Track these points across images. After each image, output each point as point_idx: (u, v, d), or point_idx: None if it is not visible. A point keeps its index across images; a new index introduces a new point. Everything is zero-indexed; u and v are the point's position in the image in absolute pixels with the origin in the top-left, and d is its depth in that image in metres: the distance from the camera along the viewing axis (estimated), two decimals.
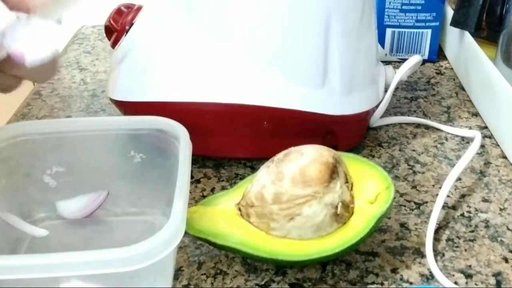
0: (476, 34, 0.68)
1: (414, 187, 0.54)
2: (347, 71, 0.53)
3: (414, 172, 0.56)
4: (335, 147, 0.48)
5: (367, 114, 0.57)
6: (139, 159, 0.48)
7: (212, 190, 0.54)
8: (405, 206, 0.51)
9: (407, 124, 0.63)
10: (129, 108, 0.56)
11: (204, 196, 0.53)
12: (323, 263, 0.45)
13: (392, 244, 0.47)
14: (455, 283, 0.44)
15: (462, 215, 0.50)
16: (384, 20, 0.74)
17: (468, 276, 0.44)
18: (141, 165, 0.48)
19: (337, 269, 0.45)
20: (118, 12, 0.58)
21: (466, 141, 0.60)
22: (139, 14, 0.56)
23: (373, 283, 0.44)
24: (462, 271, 0.45)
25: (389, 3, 0.73)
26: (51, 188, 0.48)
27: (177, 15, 0.53)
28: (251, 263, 0.46)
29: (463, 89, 0.70)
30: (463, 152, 0.58)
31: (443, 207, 0.50)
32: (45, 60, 0.36)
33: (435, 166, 0.57)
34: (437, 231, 0.48)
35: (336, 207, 0.43)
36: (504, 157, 0.58)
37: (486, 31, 0.71)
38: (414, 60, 0.60)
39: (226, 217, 0.45)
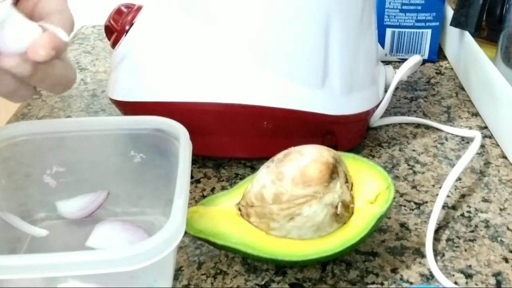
0: (476, 34, 0.68)
1: (414, 187, 0.54)
2: (347, 71, 0.53)
3: (414, 172, 0.56)
4: (335, 147, 0.48)
5: (367, 114, 0.57)
6: (139, 159, 0.48)
7: (212, 190, 0.54)
8: (405, 206, 0.52)
9: (407, 124, 0.63)
10: (129, 108, 0.56)
11: (204, 196, 0.53)
12: (323, 263, 0.45)
13: (392, 244, 0.47)
14: (455, 283, 0.44)
15: (462, 215, 0.50)
16: (384, 20, 0.74)
17: (468, 276, 0.44)
18: (141, 165, 0.48)
19: (337, 269, 0.45)
20: (118, 12, 0.58)
21: (466, 141, 0.60)
22: (139, 14, 0.56)
23: (373, 283, 0.44)
24: (462, 271, 0.45)
25: (389, 3, 0.73)
26: (51, 188, 0.48)
27: (177, 15, 0.53)
28: (251, 263, 0.46)
29: (463, 89, 0.70)
30: (463, 152, 0.58)
31: (443, 207, 0.50)
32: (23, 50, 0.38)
33: (435, 166, 0.57)
34: (437, 231, 0.48)
35: (336, 207, 0.43)
36: (504, 157, 0.58)
37: (486, 31, 0.71)
38: (414, 60, 0.60)
39: (226, 217, 0.45)
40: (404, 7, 0.73)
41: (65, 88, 0.44)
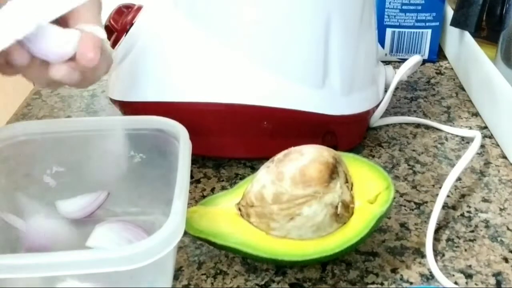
0: (476, 34, 0.68)
1: (414, 187, 0.54)
2: (347, 71, 0.53)
3: (414, 172, 0.56)
4: (335, 147, 0.48)
5: (367, 114, 0.57)
6: (139, 159, 0.48)
7: (212, 190, 0.54)
8: (405, 206, 0.51)
9: (407, 124, 0.63)
10: (129, 108, 0.56)
11: (204, 196, 0.53)
12: (323, 263, 0.45)
13: (392, 244, 0.47)
14: (455, 283, 0.44)
15: (462, 215, 0.50)
16: (384, 20, 0.74)
17: (468, 276, 0.44)
18: (141, 165, 0.48)
19: (337, 269, 0.45)
20: (118, 12, 0.58)
21: (466, 141, 0.60)
22: (139, 14, 0.56)
23: (373, 283, 0.44)
24: (462, 271, 0.45)
25: (389, 3, 0.73)
26: (51, 188, 0.48)
27: (177, 15, 0.53)
28: (251, 263, 0.46)
29: (463, 89, 0.70)
30: (463, 152, 0.58)
31: (443, 207, 0.50)
32: (67, 55, 0.40)
33: (435, 166, 0.57)
34: (437, 231, 0.48)
35: (336, 207, 0.43)
36: (504, 157, 0.58)
37: (486, 31, 0.71)
38: (414, 60, 0.60)
39: (226, 217, 0.45)
40: (404, 7, 0.73)
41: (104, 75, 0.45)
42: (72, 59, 0.40)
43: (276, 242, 0.43)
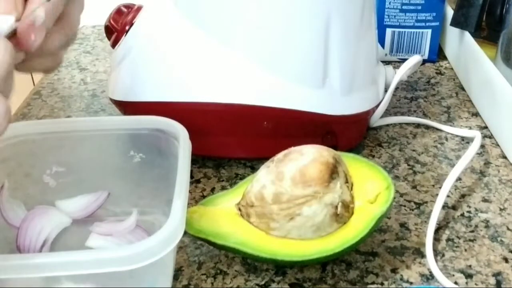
0: (476, 34, 0.68)
1: (414, 187, 0.54)
2: (347, 71, 0.53)
3: (414, 172, 0.56)
4: (335, 147, 0.48)
5: (367, 114, 0.57)
6: (139, 159, 0.48)
7: (212, 190, 0.54)
8: (405, 206, 0.51)
9: (407, 124, 0.63)
10: (129, 108, 0.56)
11: (204, 196, 0.53)
12: (323, 263, 0.45)
13: (392, 244, 0.47)
14: (455, 283, 0.44)
15: (462, 215, 0.50)
16: (384, 20, 0.74)
17: (468, 276, 0.44)
18: (141, 165, 0.48)
19: (337, 269, 0.45)
20: (118, 12, 0.58)
21: (466, 141, 0.60)
22: (139, 14, 0.56)
23: (373, 283, 0.44)
24: (462, 271, 0.45)
25: (389, 3, 0.73)
26: (51, 188, 0.48)
27: (177, 15, 0.53)
28: (251, 263, 0.46)
29: (463, 89, 0.70)
30: (463, 152, 0.58)
31: (443, 207, 0.50)
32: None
33: (435, 166, 0.57)
34: (437, 231, 0.48)
35: (336, 207, 0.43)
36: (504, 157, 0.58)
37: (486, 31, 0.71)
38: (414, 60, 0.60)
39: (226, 217, 0.45)
40: (404, 7, 0.73)
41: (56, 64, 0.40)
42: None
43: (276, 242, 0.43)
